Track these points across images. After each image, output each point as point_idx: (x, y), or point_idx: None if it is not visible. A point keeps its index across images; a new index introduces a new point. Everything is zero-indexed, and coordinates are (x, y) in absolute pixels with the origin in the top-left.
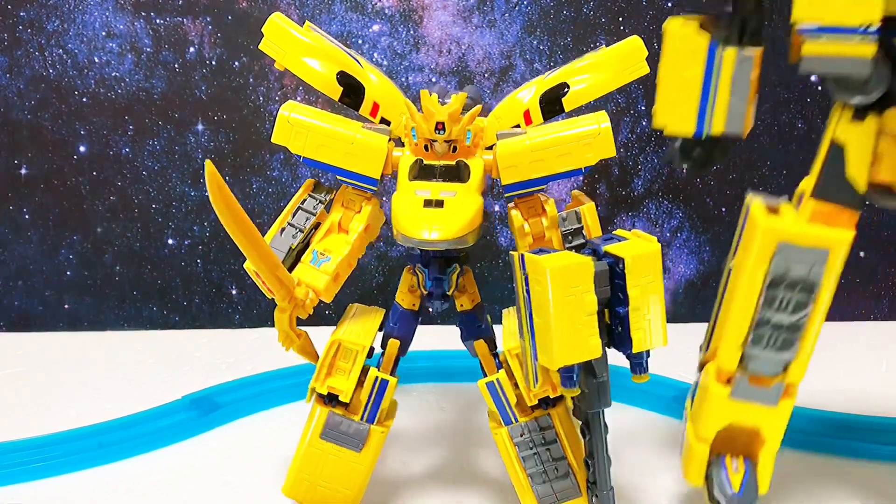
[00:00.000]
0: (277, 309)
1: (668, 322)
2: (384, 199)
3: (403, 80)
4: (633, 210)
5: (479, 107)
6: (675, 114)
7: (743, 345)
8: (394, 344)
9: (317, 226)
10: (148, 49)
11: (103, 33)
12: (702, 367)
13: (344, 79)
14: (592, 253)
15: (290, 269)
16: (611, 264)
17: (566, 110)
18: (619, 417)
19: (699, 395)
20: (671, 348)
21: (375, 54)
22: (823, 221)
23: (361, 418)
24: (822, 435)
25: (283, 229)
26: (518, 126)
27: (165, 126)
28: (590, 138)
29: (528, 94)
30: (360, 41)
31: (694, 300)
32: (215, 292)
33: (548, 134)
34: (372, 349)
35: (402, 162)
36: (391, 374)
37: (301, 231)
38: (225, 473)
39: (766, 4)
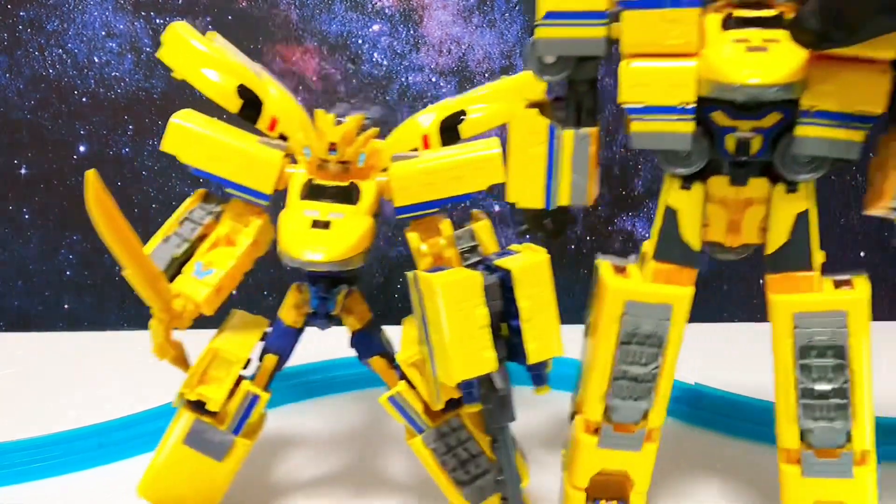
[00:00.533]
0: (153, 319)
1: None
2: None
3: (403, 79)
4: (633, 210)
5: (374, 130)
6: (524, 189)
7: (604, 397)
8: (271, 359)
9: (203, 237)
10: (148, 49)
11: (103, 33)
12: (572, 417)
13: (243, 92)
14: (485, 268)
15: (172, 280)
16: (502, 277)
17: (462, 137)
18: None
19: (571, 445)
20: None
21: (375, 54)
22: (665, 280)
23: (228, 428)
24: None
25: (167, 238)
26: (416, 150)
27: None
28: (481, 163)
29: (429, 119)
30: (360, 41)
31: (693, 300)
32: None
33: (440, 158)
34: (249, 361)
35: (293, 179)
36: (264, 390)
37: (186, 241)
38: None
39: (598, 85)
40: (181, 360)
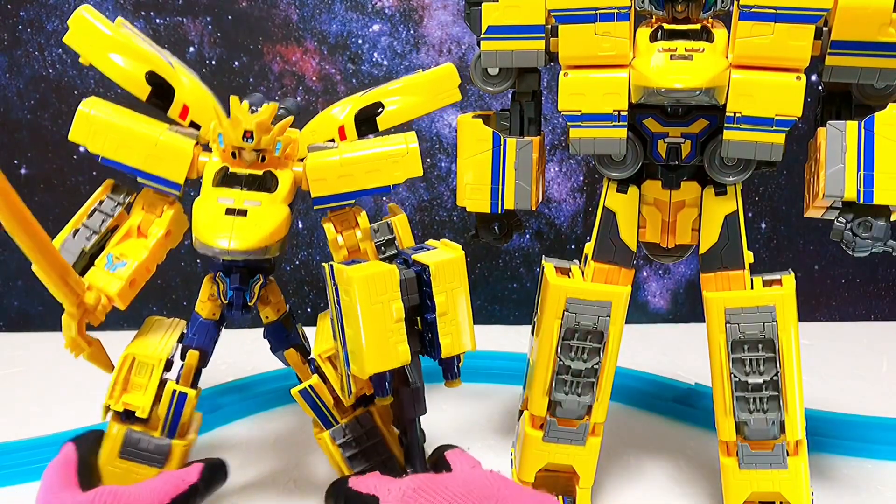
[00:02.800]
0: (65, 314)
1: (668, 322)
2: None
3: None
4: None
5: (290, 118)
6: (473, 193)
7: (548, 392)
8: (193, 355)
9: (114, 229)
10: None
11: None
12: (521, 414)
13: (153, 79)
14: (402, 262)
15: (83, 274)
16: (418, 272)
17: (380, 129)
18: (616, 418)
19: (518, 440)
20: (671, 349)
21: (375, 54)
22: (604, 280)
23: (161, 433)
24: (822, 435)
25: (76, 231)
26: (332, 141)
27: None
28: (398, 157)
29: (344, 110)
30: (360, 41)
31: (694, 300)
32: None
33: (358, 150)
34: (170, 362)
35: (207, 167)
36: (192, 387)
37: (96, 233)
38: (229, 461)
39: (541, 94)
40: (99, 357)
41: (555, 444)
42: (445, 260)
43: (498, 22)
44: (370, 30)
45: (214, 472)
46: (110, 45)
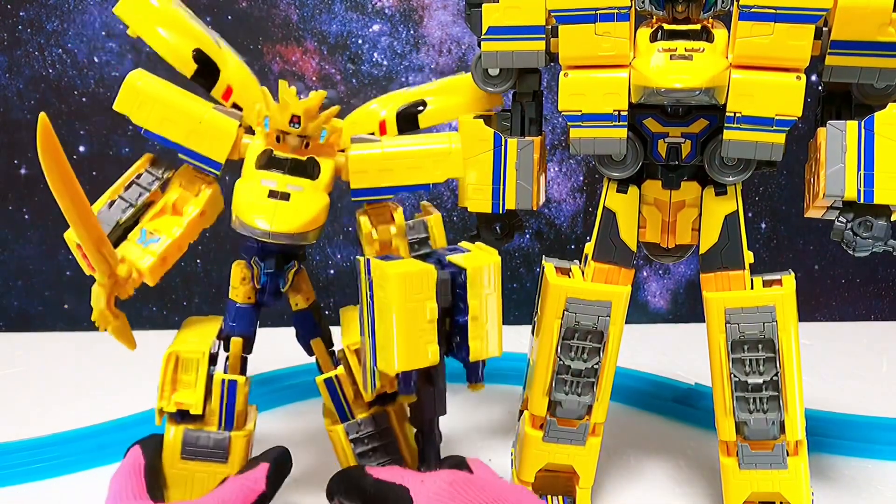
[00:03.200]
0: (96, 284)
1: (668, 322)
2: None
3: (403, 79)
4: None
5: (336, 107)
6: (474, 194)
7: (548, 392)
8: (237, 343)
9: (150, 204)
10: (148, 49)
11: (103, 33)
12: (521, 414)
13: (199, 56)
14: (437, 262)
15: (115, 245)
16: (453, 274)
17: (420, 127)
18: (616, 418)
19: (518, 440)
20: (671, 349)
21: (375, 54)
22: (604, 280)
23: (219, 427)
24: (822, 435)
25: (112, 202)
26: (373, 134)
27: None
28: (441, 156)
29: (386, 106)
30: (360, 41)
31: (694, 300)
32: (215, 292)
33: (401, 145)
34: (214, 356)
35: (250, 149)
36: (240, 374)
37: (132, 206)
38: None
39: (542, 94)
40: (123, 332)
41: (555, 444)
42: (482, 264)
43: (498, 23)
44: (370, 30)
45: (280, 468)
46: (159, 18)
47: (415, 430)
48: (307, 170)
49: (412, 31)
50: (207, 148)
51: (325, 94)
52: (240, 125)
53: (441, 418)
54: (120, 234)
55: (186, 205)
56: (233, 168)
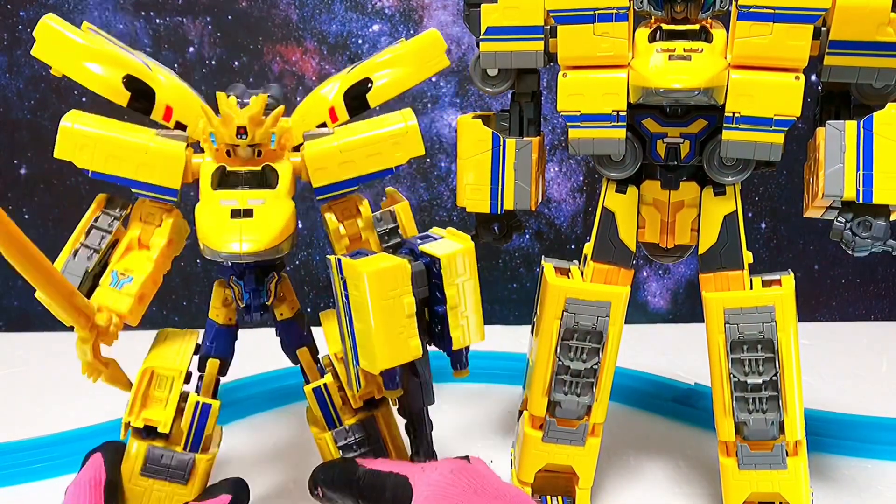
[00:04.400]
0: (78, 339)
1: (668, 322)
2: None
3: None
4: None
5: (281, 107)
6: (473, 194)
7: (548, 392)
8: (213, 364)
9: (114, 244)
10: (148, 49)
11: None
12: (520, 415)
13: (131, 83)
14: (409, 253)
15: (89, 295)
16: (427, 264)
17: (371, 106)
18: (616, 418)
19: (518, 441)
20: (670, 349)
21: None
22: (603, 280)
23: (185, 448)
24: (822, 435)
25: (75, 252)
26: (324, 124)
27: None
28: (398, 137)
29: (332, 90)
30: (359, 41)
31: (694, 300)
32: None
33: (356, 134)
34: (189, 373)
35: (203, 169)
36: (213, 398)
37: (96, 252)
38: (228, 474)
39: (540, 94)
40: (117, 378)
41: (554, 444)
42: (456, 251)
43: (497, 23)
44: (370, 30)
45: (239, 500)
46: (82, 52)
47: (405, 421)
48: (265, 180)
49: (412, 31)
50: (159, 177)
51: (267, 96)
52: (187, 146)
53: (441, 419)
54: (91, 282)
55: (151, 237)
56: (189, 188)
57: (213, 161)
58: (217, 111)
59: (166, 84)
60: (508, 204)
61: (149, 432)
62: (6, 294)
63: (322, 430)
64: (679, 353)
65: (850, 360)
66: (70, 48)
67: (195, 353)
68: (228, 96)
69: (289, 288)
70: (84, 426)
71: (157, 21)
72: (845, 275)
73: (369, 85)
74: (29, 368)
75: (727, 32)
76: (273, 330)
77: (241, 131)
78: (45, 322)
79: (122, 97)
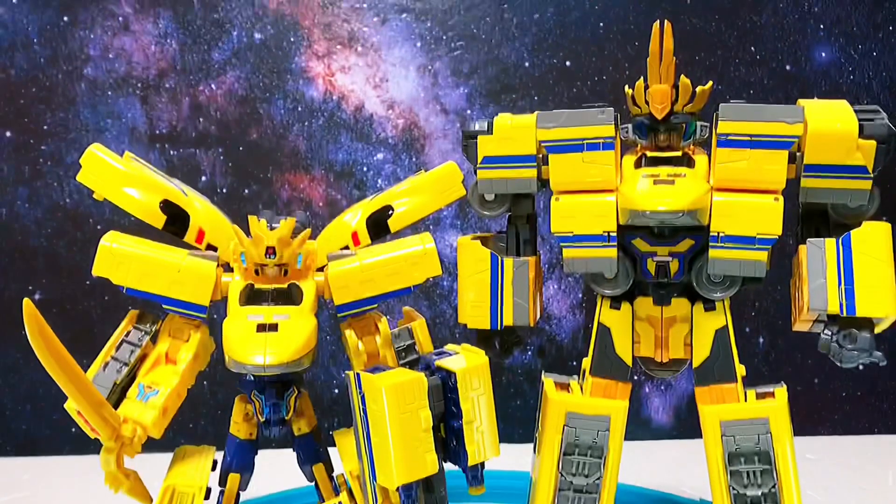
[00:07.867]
0: (104, 449)
1: (672, 438)
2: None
3: None
4: None
5: (307, 230)
6: (473, 311)
7: None
8: (234, 479)
9: (143, 358)
10: None
11: None
12: None
13: (168, 208)
14: (426, 368)
15: (116, 406)
16: (443, 378)
17: (391, 231)
18: None
19: None
20: (674, 464)
21: (379, 180)
22: (602, 394)
23: None
24: None
25: (106, 364)
26: (346, 247)
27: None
28: (416, 258)
29: (355, 217)
30: (364, 168)
31: (697, 415)
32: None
33: (376, 255)
34: (209, 489)
35: (231, 287)
36: None
37: (126, 365)
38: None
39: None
40: (138, 490)
41: None
42: (471, 367)
43: (493, 153)
44: (374, 158)
45: None
46: (123, 179)
47: None
48: (290, 297)
49: (414, 159)
50: (190, 294)
51: (295, 220)
52: (218, 265)
53: None
54: (118, 394)
55: (178, 352)
56: (216, 306)
57: (242, 280)
58: (247, 233)
59: (201, 209)
60: (508, 320)
61: None
62: (15, 418)
63: None
64: (684, 469)
65: (854, 474)
66: (112, 175)
67: (212, 468)
68: (259, 220)
69: (308, 403)
70: None
71: (172, 152)
72: (845, 388)
73: (390, 212)
74: (35, 492)
75: (709, 158)
76: (288, 450)
77: (270, 251)
78: (51, 445)
79: (158, 220)
